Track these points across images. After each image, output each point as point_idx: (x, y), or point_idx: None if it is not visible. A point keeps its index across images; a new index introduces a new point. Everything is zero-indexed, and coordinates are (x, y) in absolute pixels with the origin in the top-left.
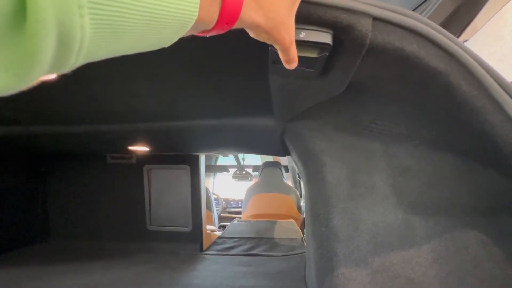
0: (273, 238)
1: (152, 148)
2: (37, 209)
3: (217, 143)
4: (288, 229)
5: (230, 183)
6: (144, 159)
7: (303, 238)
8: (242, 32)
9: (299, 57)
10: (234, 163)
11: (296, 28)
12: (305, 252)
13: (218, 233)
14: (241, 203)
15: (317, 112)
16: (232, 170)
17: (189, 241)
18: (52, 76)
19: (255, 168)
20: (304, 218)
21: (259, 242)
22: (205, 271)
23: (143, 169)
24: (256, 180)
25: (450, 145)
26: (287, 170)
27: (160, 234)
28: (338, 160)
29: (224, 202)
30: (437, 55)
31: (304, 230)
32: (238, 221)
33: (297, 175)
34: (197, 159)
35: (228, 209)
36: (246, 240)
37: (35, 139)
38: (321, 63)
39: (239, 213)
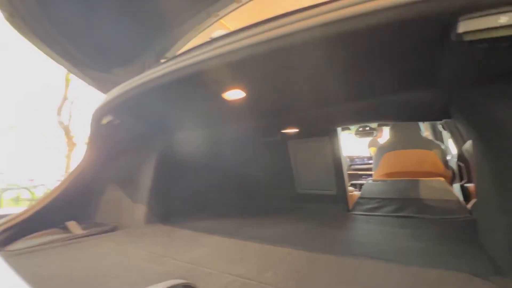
0: (421, 199)
1: (301, 129)
2: (221, 180)
3: (363, 118)
4: (437, 189)
5: (351, 140)
6: (288, 136)
7: (460, 199)
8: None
9: (491, 38)
10: None
11: (492, 14)
12: (469, 217)
13: (357, 193)
14: (367, 160)
15: (504, 76)
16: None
17: (335, 202)
18: None
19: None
20: (453, 175)
21: (404, 203)
22: (362, 230)
23: (288, 144)
24: (380, 135)
25: None
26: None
27: (308, 196)
28: None
29: (348, 160)
30: None
31: (454, 186)
32: (373, 180)
33: (438, 126)
34: (335, 129)
35: (353, 167)
36: (390, 201)
37: (219, 134)
38: None
39: (365, 170)
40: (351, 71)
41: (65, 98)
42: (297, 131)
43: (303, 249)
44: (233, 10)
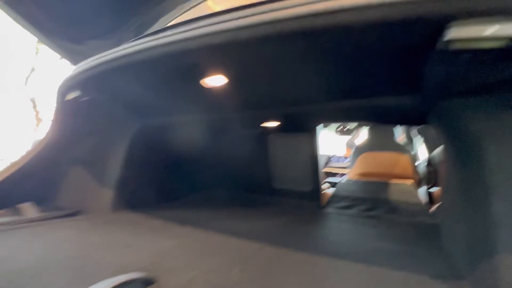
0: (390, 200)
1: (282, 123)
2: (195, 169)
3: (344, 119)
4: (405, 192)
5: (329, 139)
6: (268, 129)
7: (425, 204)
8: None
9: (476, 49)
10: None
11: (478, 25)
12: (431, 221)
13: (330, 190)
14: (343, 159)
15: (483, 89)
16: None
17: (309, 199)
18: None
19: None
20: (420, 180)
21: (375, 203)
22: (336, 228)
23: (268, 138)
24: (357, 135)
25: None
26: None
27: (284, 192)
28: (503, 142)
29: (325, 158)
30: None
31: (419, 190)
32: (347, 179)
33: (411, 131)
34: (315, 127)
35: (329, 165)
36: (361, 200)
37: (196, 122)
38: (505, 51)
39: (341, 168)
40: (334, 70)
41: (32, 69)
42: (277, 126)
43: (275, 245)
44: None
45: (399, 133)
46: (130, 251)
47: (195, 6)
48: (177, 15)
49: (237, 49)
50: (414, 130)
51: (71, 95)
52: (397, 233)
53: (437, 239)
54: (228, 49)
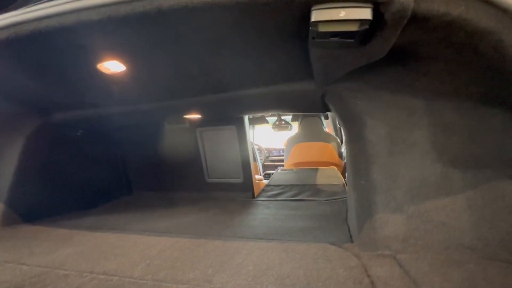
0: (316, 184)
1: (203, 115)
2: (119, 170)
3: (261, 107)
4: (329, 176)
5: (269, 134)
6: (196, 123)
7: (345, 183)
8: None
9: (339, 32)
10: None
11: (335, 8)
12: (345, 197)
13: (265, 181)
14: (282, 152)
15: (358, 73)
16: (271, 121)
17: (242, 190)
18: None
19: (294, 117)
20: (345, 164)
21: (303, 188)
22: (260, 214)
23: (196, 131)
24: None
25: (500, 98)
26: (326, 118)
27: (217, 185)
28: (379, 119)
29: (266, 152)
30: (488, 14)
31: (342, 174)
32: (281, 170)
33: (337, 122)
34: (242, 119)
35: (270, 158)
36: (291, 187)
37: (112, 117)
38: (361, 35)
39: (281, 161)
40: (235, 56)
41: None
42: (204, 118)
43: (193, 237)
44: None
45: (328, 125)
46: (9, 267)
47: None
48: None
49: (119, 28)
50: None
51: None
52: (315, 212)
53: (343, 217)
54: (110, 27)
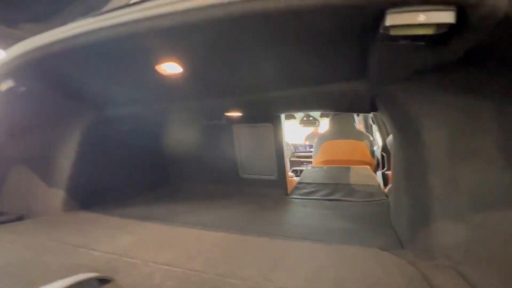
0: (350, 184)
1: (244, 113)
2: (160, 162)
3: (303, 106)
4: (363, 175)
5: (294, 129)
6: (233, 120)
7: (380, 184)
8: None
9: (411, 35)
10: None
11: (414, 11)
12: (385, 200)
13: (295, 178)
14: (309, 148)
15: (418, 74)
16: (298, 117)
17: (275, 187)
18: None
19: (323, 113)
20: (377, 161)
21: (336, 188)
22: (298, 212)
23: (232, 128)
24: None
25: None
26: (358, 114)
27: (251, 181)
28: (439, 122)
29: (292, 148)
30: None
31: (377, 173)
32: (311, 167)
33: (370, 119)
34: (278, 116)
35: (296, 154)
36: (324, 186)
37: (157, 113)
38: (435, 38)
39: (307, 157)
40: (287, 56)
41: None
42: (241, 115)
43: (239, 233)
44: None
45: (359, 121)
46: (82, 252)
47: None
48: None
49: (188, 33)
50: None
51: (4, 86)
52: (354, 213)
53: (387, 216)
54: (179, 33)
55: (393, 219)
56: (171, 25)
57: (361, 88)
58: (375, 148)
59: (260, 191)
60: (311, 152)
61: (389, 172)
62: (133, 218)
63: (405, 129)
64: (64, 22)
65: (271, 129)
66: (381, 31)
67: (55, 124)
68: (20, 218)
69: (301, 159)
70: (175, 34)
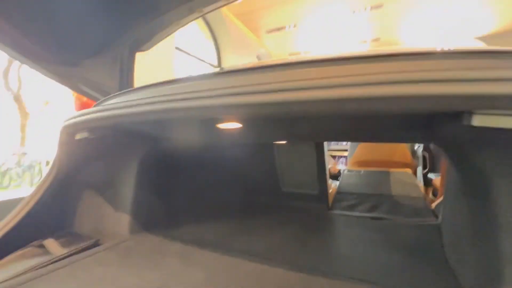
0: (392, 195)
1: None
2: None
3: (358, 139)
4: (404, 183)
5: None
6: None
7: (424, 196)
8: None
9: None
10: None
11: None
12: (434, 222)
13: (331, 182)
14: (341, 143)
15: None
16: None
17: (317, 202)
18: None
19: None
20: (417, 164)
21: (379, 200)
22: (344, 236)
23: (273, 145)
24: None
25: None
26: None
27: (291, 195)
28: None
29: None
30: None
31: (417, 178)
32: (348, 171)
33: None
34: None
35: (329, 147)
36: (366, 197)
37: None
38: None
39: (340, 150)
40: (355, 126)
41: (11, 61)
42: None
43: (296, 270)
44: (219, 7)
45: None
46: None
47: (192, 21)
48: (172, 31)
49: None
50: None
51: (79, 136)
52: (402, 240)
53: (440, 247)
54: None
55: (451, 262)
56: (243, 112)
57: (420, 134)
58: (416, 147)
59: (301, 205)
60: (343, 145)
61: (435, 178)
62: (192, 243)
63: (469, 174)
64: (114, 55)
65: (313, 147)
66: (465, 123)
67: (115, 154)
68: (96, 244)
69: (333, 153)
70: (243, 111)
